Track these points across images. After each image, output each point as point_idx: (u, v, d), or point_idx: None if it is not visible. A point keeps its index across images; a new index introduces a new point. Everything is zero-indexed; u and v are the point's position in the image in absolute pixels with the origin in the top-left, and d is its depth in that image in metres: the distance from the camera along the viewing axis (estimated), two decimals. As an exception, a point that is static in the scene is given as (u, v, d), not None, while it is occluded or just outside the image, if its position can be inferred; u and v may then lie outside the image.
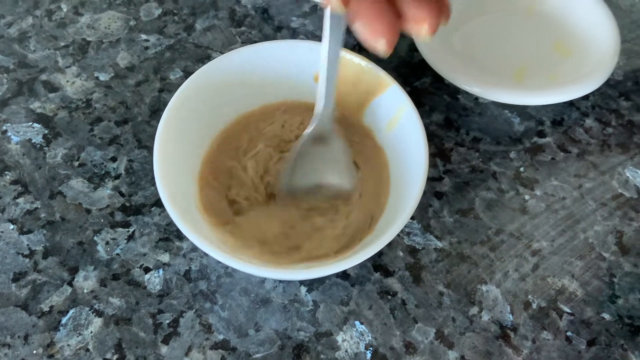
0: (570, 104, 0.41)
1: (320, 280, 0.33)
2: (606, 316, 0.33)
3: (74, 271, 0.33)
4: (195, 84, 0.33)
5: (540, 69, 0.40)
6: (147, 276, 0.33)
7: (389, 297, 0.33)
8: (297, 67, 0.35)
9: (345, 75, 0.34)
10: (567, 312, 0.33)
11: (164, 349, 0.31)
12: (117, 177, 0.36)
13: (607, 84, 0.42)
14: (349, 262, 0.28)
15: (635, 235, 0.35)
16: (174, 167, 0.31)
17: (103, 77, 0.41)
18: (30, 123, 0.38)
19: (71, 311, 0.32)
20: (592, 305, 0.33)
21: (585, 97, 0.41)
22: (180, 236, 0.34)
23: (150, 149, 0.37)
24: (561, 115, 0.40)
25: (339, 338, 0.32)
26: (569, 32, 0.42)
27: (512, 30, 0.43)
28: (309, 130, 0.32)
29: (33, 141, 0.38)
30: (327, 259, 0.31)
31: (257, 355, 0.31)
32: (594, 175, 0.38)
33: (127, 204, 0.35)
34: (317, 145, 0.32)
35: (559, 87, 0.38)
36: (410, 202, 0.29)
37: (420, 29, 0.23)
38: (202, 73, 0.33)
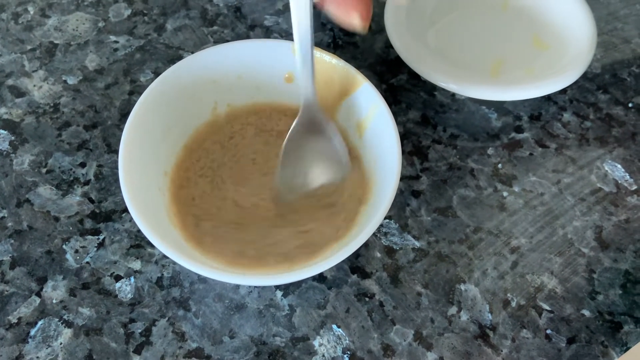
0: (548, 98, 0.40)
1: (296, 284, 0.32)
2: (586, 313, 0.32)
3: (42, 281, 0.32)
4: (163, 85, 0.32)
5: (516, 63, 0.40)
6: (118, 284, 0.32)
7: (367, 299, 0.32)
8: (268, 67, 0.34)
9: (317, 74, 0.33)
10: (547, 310, 0.32)
11: (136, 359, 0.30)
12: (87, 183, 0.35)
13: (585, 77, 0.41)
14: (325, 264, 0.27)
15: (614, 230, 0.35)
16: (141, 172, 0.30)
17: (71, 80, 0.40)
18: (-4, 129, 0.37)
19: (40, 322, 0.31)
20: (572, 302, 0.33)
21: (563, 91, 0.41)
22: (152, 242, 0.33)
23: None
24: (539, 110, 0.40)
25: (316, 342, 0.31)
26: (545, 25, 0.42)
27: (488, 25, 0.42)
28: (296, 120, 0.31)
29: (-1, 148, 0.37)
30: (299, 261, 0.30)
31: (232, 363, 0.30)
32: (573, 170, 0.37)
33: (97, 211, 0.34)
34: (309, 134, 0.32)
35: (535, 81, 0.37)
36: (385, 201, 0.28)
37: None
38: (170, 74, 0.32)
